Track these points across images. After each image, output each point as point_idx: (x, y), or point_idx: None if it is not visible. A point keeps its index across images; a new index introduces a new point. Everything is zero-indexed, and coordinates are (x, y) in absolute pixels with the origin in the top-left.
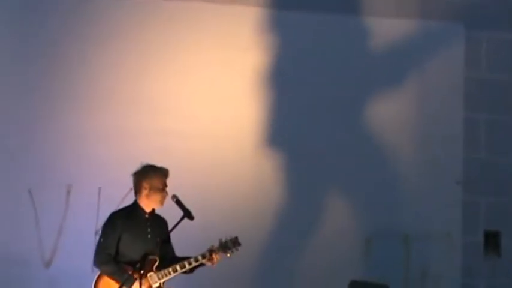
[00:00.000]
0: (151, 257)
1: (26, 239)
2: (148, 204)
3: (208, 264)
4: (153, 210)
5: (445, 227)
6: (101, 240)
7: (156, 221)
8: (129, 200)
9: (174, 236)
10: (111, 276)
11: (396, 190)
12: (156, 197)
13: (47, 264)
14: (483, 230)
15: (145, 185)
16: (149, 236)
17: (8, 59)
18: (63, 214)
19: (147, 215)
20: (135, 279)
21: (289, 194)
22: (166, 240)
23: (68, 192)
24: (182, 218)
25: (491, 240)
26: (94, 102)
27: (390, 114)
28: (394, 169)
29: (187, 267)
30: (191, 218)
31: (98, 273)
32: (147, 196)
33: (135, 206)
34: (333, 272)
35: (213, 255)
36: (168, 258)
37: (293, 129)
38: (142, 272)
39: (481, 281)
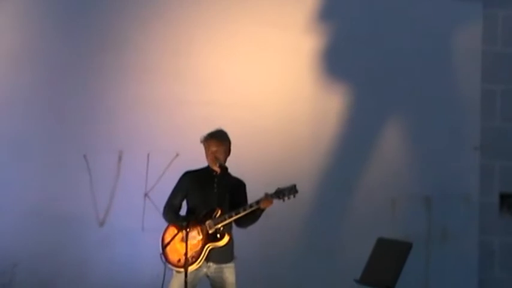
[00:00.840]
0: (213, 208)
1: (81, 200)
2: (211, 164)
3: (263, 207)
4: (225, 172)
5: (464, 189)
6: (171, 194)
7: (227, 181)
8: (176, 165)
9: None
10: (171, 223)
11: (419, 155)
12: (210, 159)
13: (101, 223)
14: (498, 192)
15: (204, 149)
16: (215, 190)
17: (64, 34)
18: (115, 178)
19: (214, 173)
20: (193, 224)
21: (324, 159)
22: (243, 202)
23: (120, 158)
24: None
25: (506, 201)
26: (143, 75)
27: (416, 84)
28: (416, 136)
29: (242, 212)
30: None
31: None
32: (207, 157)
33: (206, 167)
34: (362, 229)
35: (266, 200)
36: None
37: (332, 103)
38: (199, 218)
39: (496, 238)
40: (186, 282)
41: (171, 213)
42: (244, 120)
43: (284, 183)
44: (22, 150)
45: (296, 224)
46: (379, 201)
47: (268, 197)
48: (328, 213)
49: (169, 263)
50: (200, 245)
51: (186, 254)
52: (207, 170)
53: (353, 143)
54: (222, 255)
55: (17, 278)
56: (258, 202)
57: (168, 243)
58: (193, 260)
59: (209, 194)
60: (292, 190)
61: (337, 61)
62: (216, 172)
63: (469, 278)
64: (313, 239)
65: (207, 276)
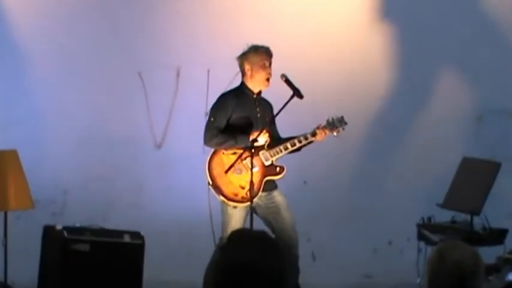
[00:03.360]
0: (266, 130)
1: (137, 121)
2: (253, 85)
3: (317, 140)
4: (260, 92)
5: None
6: (211, 119)
7: (263, 102)
8: (238, 82)
9: (282, 117)
10: (224, 144)
11: (505, 68)
12: (260, 76)
13: (159, 145)
14: None
15: (247, 65)
16: (259, 115)
17: None
18: (173, 96)
19: (255, 96)
20: (249, 139)
21: (399, 72)
22: (272, 122)
23: (178, 73)
24: (292, 97)
25: None
26: None
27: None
28: (502, 50)
29: (297, 145)
30: (300, 96)
31: (210, 154)
32: (252, 77)
33: (243, 87)
34: (446, 148)
35: (321, 132)
36: (275, 139)
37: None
38: (255, 143)
39: None
40: (252, 217)
41: (222, 135)
42: (311, 29)
43: (353, 101)
44: (71, 65)
45: (370, 146)
46: (463, 117)
47: (324, 128)
48: (405, 134)
49: (224, 196)
50: (259, 177)
51: (251, 182)
52: (244, 91)
53: (431, 54)
54: (270, 183)
55: (69, 206)
56: (314, 134)
57: (230, 167)
58: (252, 196)
59: (253, 118)
60: (341, 121)
61: None
62: (255, 93)
63: None
64: (391, 159)
65: (255, 211)
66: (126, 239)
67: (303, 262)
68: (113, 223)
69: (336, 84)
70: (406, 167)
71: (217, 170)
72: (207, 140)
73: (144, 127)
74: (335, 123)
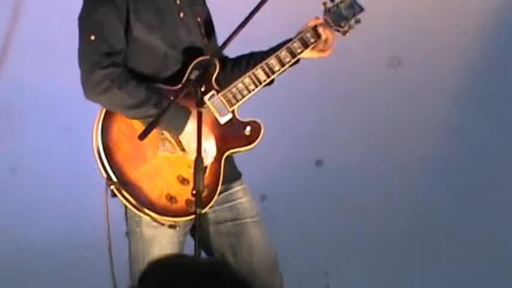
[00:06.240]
0: (201, 59)
1: None
2: None
3: (318, 53)
4: None
5: None
6: (90, 37)
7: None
8: None
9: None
10: (131, 108)
11: None
12: None
13: None
14: None
15: None
16: (182, 15)
17: None
18: None
19: None
20: (187, 109)
21: None
22: (211, 30)
23: None
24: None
25: None
26: None
27: None
28: None
29: (279, 69)
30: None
31: (101, 111)
32: None
33: None
34: None
35: (321, 32)
36: (223, 61)
37: None
38: (199, 90)
39: None
40: (197, 244)
41: (131, 81)
42: None
43: None
44: None
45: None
46: None
47: (322, 26)
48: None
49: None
50: (214, 154)
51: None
52: None
53: None
54: (229, 166)
55: None
56: (316, 34)
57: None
58: (208, 197)
59: (171, 26)
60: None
61: None
62: None
63: None
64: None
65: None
66: None
67: None
68: None
69: None
70: None
71: (126, 148)
72: (93, 86)
73: None
74: (342, 11)
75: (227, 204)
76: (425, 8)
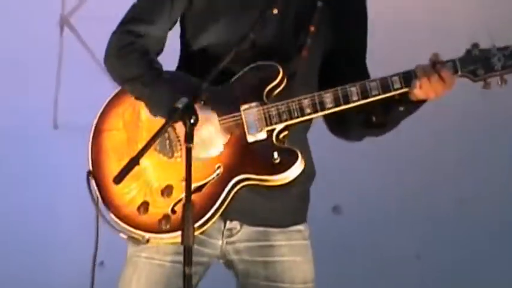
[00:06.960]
0: (260, 64)
1: None
2: None
3: (417, 94)
4: None
5: None
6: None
7: None
8: None
9: None
10: (124, 82)
11: None
12: None
13: None
14: None
15: None
16: (275, 11)
17: None
18: None
19: None
20: (191, 107)
21: None
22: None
23: None
24: None
25: None
26: None
27: None
28: None
29: (354, 101)
30: None
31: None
32: None
33: None
34: None
35: (446, 72)
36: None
37: None
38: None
39: None
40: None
41: (135, 53)
42: None
43: None
44: None
45: None
46: None
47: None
48: None
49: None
50: (221, 173)
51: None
52: None
53: None
54: (275, 209)
55: None
56: (405, 80)
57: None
58: (199, 216)
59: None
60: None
61: None
62: None
63: None
64: None
65: (227, 264)
66: None
67: None
68: None
69: None
70: None
71: (119, 136)
72: (109, 51)
73: None
74: (494, 62)
75: (261, 247)
76: None
